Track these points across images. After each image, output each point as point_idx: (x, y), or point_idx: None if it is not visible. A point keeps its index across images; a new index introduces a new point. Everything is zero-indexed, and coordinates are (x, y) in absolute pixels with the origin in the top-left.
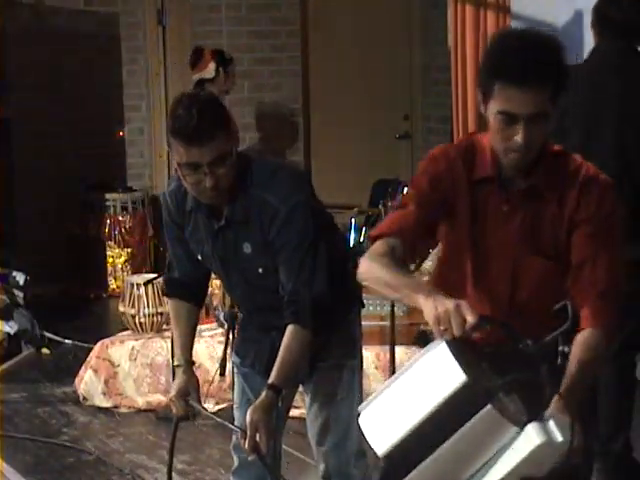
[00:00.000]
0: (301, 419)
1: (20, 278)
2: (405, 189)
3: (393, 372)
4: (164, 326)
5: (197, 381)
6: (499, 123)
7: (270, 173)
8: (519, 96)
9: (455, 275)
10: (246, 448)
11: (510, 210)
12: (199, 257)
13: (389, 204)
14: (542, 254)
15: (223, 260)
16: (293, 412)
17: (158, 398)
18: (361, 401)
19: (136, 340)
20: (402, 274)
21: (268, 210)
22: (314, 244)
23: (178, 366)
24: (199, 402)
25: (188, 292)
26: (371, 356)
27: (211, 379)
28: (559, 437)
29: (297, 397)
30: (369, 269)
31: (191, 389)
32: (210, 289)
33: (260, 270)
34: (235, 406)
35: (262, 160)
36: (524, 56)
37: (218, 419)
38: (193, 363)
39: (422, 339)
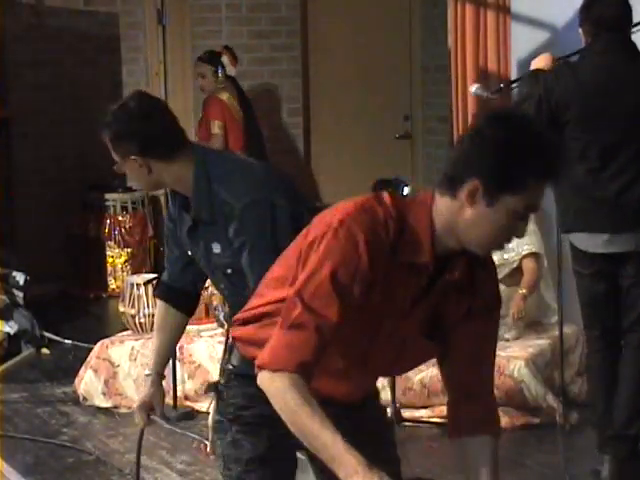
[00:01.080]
0: None
1: (20, 278)
2: (405, 189)
3: None
4: None
5: (163, 395)
6: (514, 218)
7: (228, 169)
8: (543, 190)
9: (343, 345)
10: None
11: (428, 297)
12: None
13: None
14: (430, 335)
15: (202, 259)
16: None
17: None
18: None
19: (136, 340)
20: (321, 425)
21: (225, 208)
22: (274, 246)
23: (148, 375)
24: (163, 416)
25: (175, 297)
26: None
27: (211, 379)
28: None
29: None
30: (283, 398)
31: (155, 404)
32: (210, 288)
33: (229, 271)
34: None
35: (221, 155)
36: (557, 153)
37: (179, 430)
38: (163, 377)
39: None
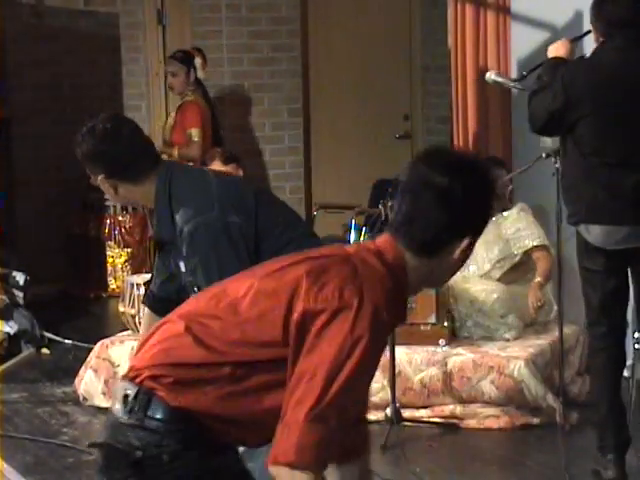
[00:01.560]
0: None
1: (20, 278)
2: None
3: (393, 372)
4: None
5: None
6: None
7: (186, 189)
8: None
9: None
10: None
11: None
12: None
13: (389, 204)
14: None
15: (177, 274)
16: None
17: None
18: None
19: (136, 340)
20: None
21: (178, 229)
22: (222, 267)
23: None
24: None
25: (161, 305)
26: None
27: None
28: None
29: None
30: None
31: None
32: None
33: (195, 289)
34: None
35: (186, 173)
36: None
37: None
38: None
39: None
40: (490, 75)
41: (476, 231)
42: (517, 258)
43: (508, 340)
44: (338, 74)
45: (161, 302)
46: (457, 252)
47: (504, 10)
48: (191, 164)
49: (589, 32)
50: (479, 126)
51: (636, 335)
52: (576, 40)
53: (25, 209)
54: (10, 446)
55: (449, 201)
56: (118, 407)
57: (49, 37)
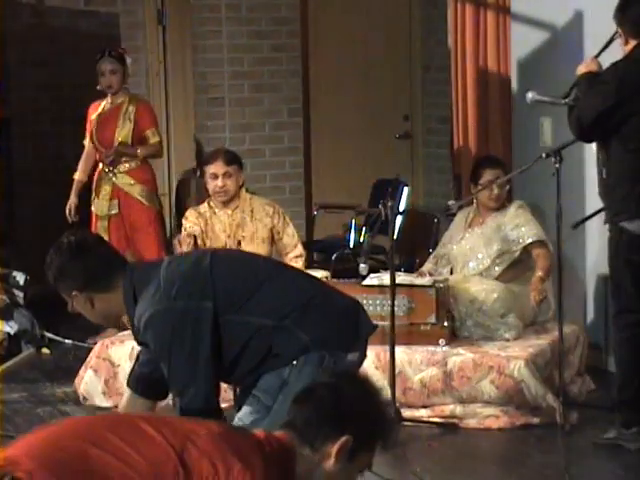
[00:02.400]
0: None
1: (20, 278)
2: (405, 189)
3: (393, 372)
4: None
5: None
6: (360, 473)
7: (144, 287)
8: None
9: None
10: None
11: None
12: None
13: (389, 204)
14: None
15: None
16: None
17: None
18: None
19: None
20: None
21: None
22: (187, 355)
23: None
24: None
25: (144, 386)
26: (371, 356)
27: None
28: None
29: None
30: None
31: None
32: None
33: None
34: None
35: (147, 270)
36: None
37: None
38: None
39: None
40: (531, 95)
41: (357, 435)
42: (516, 254)
43: (508, 340)
44: (338, 74)
45: (145, 382)
46: (337, 448)
47: (504, 10)
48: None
49: (610, 42)
50: (479, 126)
51: None
52: (599, 54)
53: (25, 209)
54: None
55: (339, 401)
56: None
57: (49, 37)
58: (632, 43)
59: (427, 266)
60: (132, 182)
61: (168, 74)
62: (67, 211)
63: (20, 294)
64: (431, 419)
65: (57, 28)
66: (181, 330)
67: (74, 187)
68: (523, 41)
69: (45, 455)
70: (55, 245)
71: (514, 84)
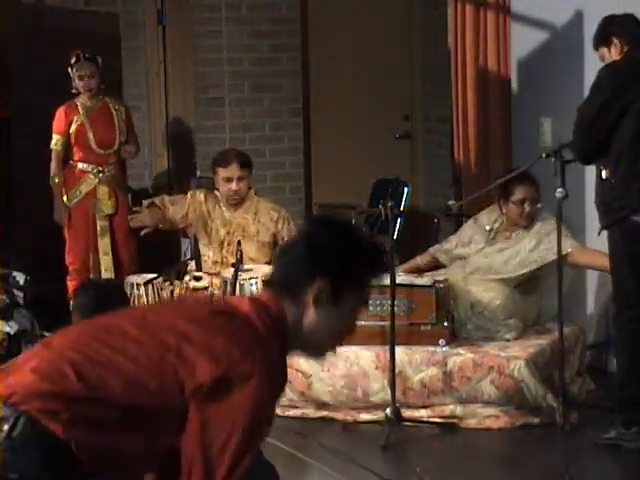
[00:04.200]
0: (301, 419)
1: (20, 278)
2: (405, 189)
3: (393, 372)
4: None
5: None
6: (355, 313)
7: None
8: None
9: None
10: None
11: None
12: None
13: (389, 204)
14: None
15: None
16: (294, 412)
17: None
18: None
19: None
20: None
21: None
22: None
23: None
24: None
25: None
26: (371, 356)
27: None
28: None
29: (296, 397)
30: None
31: None
32: (210, 288)
33: None
34: None
35: None
36: (382, 254)
37: None
38: None
39: None
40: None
41: (332, 277)
42: (534, 266)
43: (508, 340)
44: (338, 74)
45: None
46: (313, 295)
47: (504, 10)
48: None
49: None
50: (479, 126)
51: None
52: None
53: (25, 209)
54: None
55: (311, 243)
56: None
57: (49, 37)
58: (625, 49)
59: (425, 258)
60: (120, 181)
61: (168, 74)
62: (63, 219)
63: (20, 294)
64: (431, 419)
65: (57, 28)
66: None
67: (59, 192)
68: (523, 41)
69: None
70: None
71: (514, 84)
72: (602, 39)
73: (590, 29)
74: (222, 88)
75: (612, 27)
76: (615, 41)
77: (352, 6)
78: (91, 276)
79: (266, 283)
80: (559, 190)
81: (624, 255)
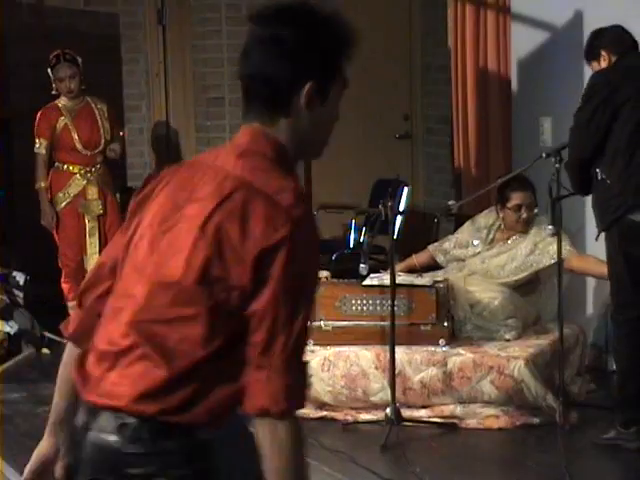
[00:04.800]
0: (301, 419)
1: (20, 278)
2: (405, 189)
3: (393, 372)
4: None
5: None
6: (338, 106)
7: None
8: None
9: None
10: None
11: None
12: None
13: (389, 204)
14: None
15: None
16: None
17: None
18: None
19: None
20: None
21: None
22: None
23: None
24: None
25: None
26: (371, 356)
27: None
28: None
29: None
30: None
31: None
32: None
33: None
34: None
35: None
36: (347, 26)
37: None
38: None
39: None
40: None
41: (316, 75)
42: (534, 268)
43: (508, 340)
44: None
45: None
46: (303, 101)
47: (504, 10)
48: None
49: None
50: (479, 126)
51: None
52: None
53: (25, 209)
54: (10, 446)
55: (279, 46)
56: None
57: (49, 37)
58: (613, 59)
59: (422, 257)
60: (108, 181)
61: (168, 74)
62: (51, 222)
63: (20, 294)
64: (431, 419)
65: (57, 28)
66: None
67: (46, 196)
68: (523, 41)
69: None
70: None
71: (514, 84)
72: (591, 54)
73: (590, 29)
74: (222, 88)
75: (599, 40)
76: (603, 54)
77: (352, 6)
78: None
79: (244, 118)
80: (549, 227)
81: (621, 255)
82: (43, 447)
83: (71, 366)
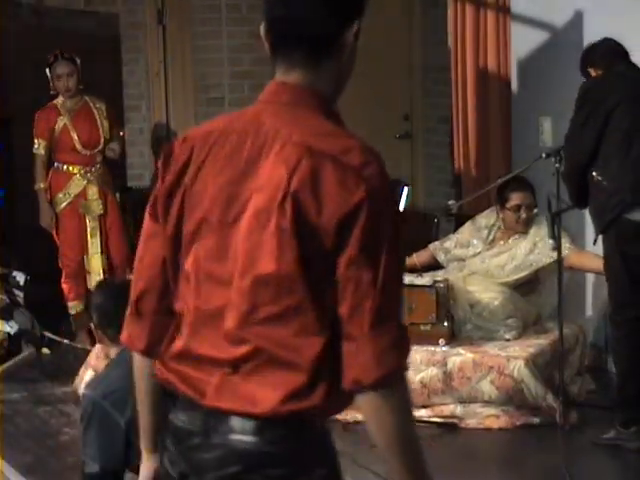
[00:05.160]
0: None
1: (20, 278)
2: (405, 189)
3: None
4: None
5: None
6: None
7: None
8: None
9: None
10: None
11: None
12: None
13: None
14: None
15: None
16: None
17: None
18: None
19: None
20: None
21: None
22: None
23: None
24: None
25: None
26: None
27: None
28: None
29: None
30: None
31: None
32: None
33: None
34: None
35: None
36: None
37: None
38: None
39: None
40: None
41: (360, 12)
42: (534, 267)
43: (508, 340)
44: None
45: None
46: (352, 39)
47: (504, 10)
48: None
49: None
50: (479, 126)
51: None
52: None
53: (25, 209)
54: (10, 446)
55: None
56: None
57: (49, 37)
58: (599, 73)
59: (423, 256)
60: (108, 180)
61: (168, 74)
62: (50, 223)
63: (20, 294)
64: (431, 419)
65: (57, 28)
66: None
67: (45, 197)
68: (523, 41)
69: None
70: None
71: (514, 84)
72: (582, 70)
73: (590, 29)
74: (222, 88)
75: (589, 56)
76: (590, 70)
77: None
78: (91, 276)
79: (279, 65)
80: (549, 242)
81: (618, 254)
82: (147, 469)
83: (149, 379)
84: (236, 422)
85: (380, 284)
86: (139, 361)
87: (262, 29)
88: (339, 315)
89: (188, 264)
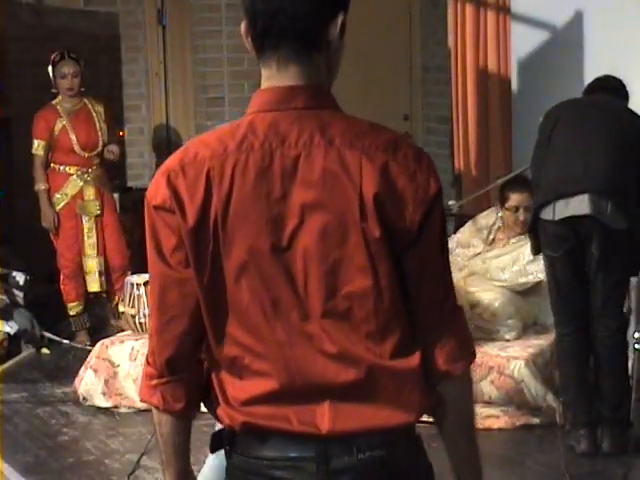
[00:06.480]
0: None
1: (20, 278)
2: None
3: None
4: None
5: None
6: None
7: None
8: None
9: None
10: None
11: None
12: None
13: None
14: None
15: None
16: None
17: None
18: None
19: (136, 340)
20: None
21: None
22: None
23: None
24: None
25: None
26: None
27: None
28: None
29: None
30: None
31: None
32: None
33: None
34: None
35: None
36: None
37: None
38: None
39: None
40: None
41: (345, 6)
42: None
43: (508, 340)
44: (338, 74)
45: None
46: (337, 33)
47: (504, 10)
48: None
49: None
50: (479, 126)
51: (636, 335)
52: None
53: (25, 208)
54: (10, 446)
55: None
56: None
57: (49, 37)
58: None
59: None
60: (105, 181)
61: (168, 74)
62: (52, 224)
63: (20, 294)
64: (431, 419)
65: (57, 28)
66: None
67: (46, 198)
68: (523, 41)
69: None
70: None
71: (514, 84)
72: None
73: (590, 29)
74: (222, 88)
75: (601, 82)
76: None
77: (352, 6)
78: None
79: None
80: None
81: (545, 259)
82: None
83: (184, 434)
84: (363, 441)
85: (448, 272)
86: (172, 419)
87: (242, 27)
88: (414, 307)
89: (244, 300)
